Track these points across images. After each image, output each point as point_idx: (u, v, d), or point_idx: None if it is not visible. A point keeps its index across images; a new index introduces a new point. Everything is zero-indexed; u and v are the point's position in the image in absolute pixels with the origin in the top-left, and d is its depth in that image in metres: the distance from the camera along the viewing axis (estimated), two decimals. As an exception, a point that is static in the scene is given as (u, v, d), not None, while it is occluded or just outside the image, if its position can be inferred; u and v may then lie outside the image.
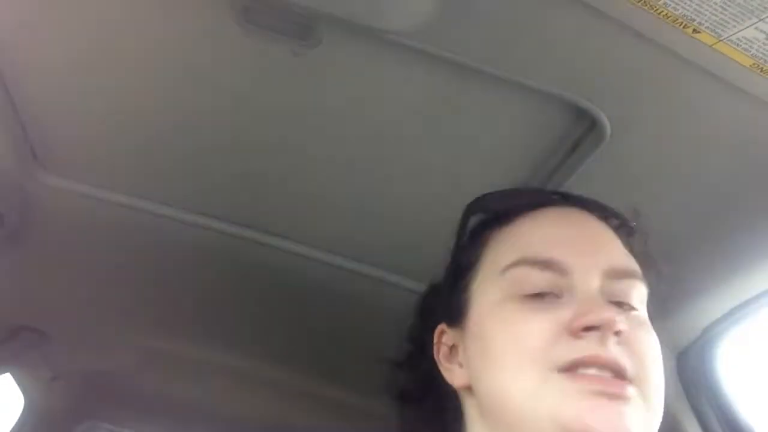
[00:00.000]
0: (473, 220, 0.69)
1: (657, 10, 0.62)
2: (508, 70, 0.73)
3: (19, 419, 1.99)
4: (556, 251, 0.59)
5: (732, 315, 0.96)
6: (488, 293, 0.61)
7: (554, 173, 0.86)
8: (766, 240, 0.86)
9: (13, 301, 1.49)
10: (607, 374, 0.53)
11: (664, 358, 0.60)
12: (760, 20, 0.60)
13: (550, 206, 0.65)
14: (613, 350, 0.54)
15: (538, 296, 0.58)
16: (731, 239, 0.87)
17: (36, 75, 0.90)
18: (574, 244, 0.60)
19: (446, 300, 0.67)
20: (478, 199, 0.69)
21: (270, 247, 1.15)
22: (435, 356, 0.67)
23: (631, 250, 0.63)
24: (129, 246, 1.23)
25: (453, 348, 0.66)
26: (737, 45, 0.63)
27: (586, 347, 0.54)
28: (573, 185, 0.85)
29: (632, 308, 0.59)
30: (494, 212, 0.67)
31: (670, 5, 0.61)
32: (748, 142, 0.75)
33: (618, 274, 0.59)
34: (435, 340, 0.68)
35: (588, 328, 0.54)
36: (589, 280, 0.58)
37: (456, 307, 0.65)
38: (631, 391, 0.53)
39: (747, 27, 0.61)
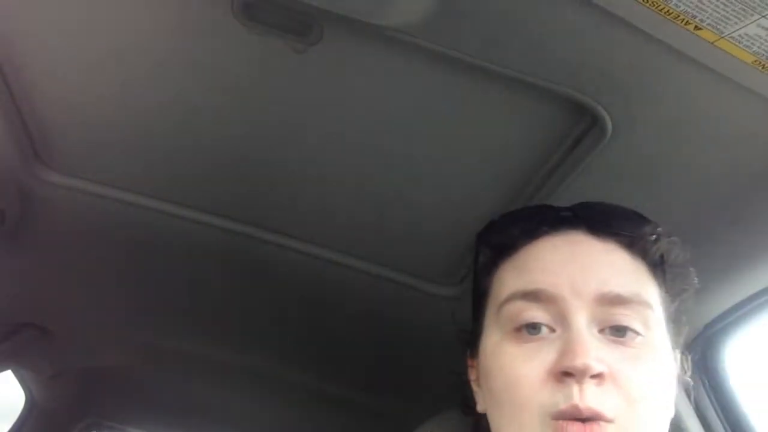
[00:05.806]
0: (484, 250, 0.69)
1: (658, 6, 0.62)
2: (508, 66, 0.73)
3: (20, 416, 2.00)
4: (546, 281, 0.60)
5: (734, 312, 0.96)
6: (491, 331, 0.63)
7: (555, 170, 0.86)
8: (767, 237, 0.86)
9: (15, 297, 1.49)
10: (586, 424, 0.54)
11: None
12: (762, 17, 0.60)
13: (549, 233, 0.64)
14: (590, 397, 0.54)
15: (532, 332, 0.58)
16: (733, 236, 0.87)
17: (37, 72, 0.90)
18: (566, 272, 0.60)
19: (471, 329, 0.69)
20: (484, 229, 0.70)
21: (273, 245, 1.15)
22: (469, 377, 0.69)
23: (653, 265, 0.63)
24: (131, 243, 1.23)
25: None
26: (739, 42, 0.63)
27: (567, 394, 0.54)
28: (574, 182, 0.86)
29: (635, 334, 0.58)
30: (497, 245, 0.67)
31: (671, 2, 0.61)
32: (749, 139, 0.75)
33: (612, 300, 0.58)
34: (468, 363, 0.70)
35: (566, 374, 0.55)
36: (577, 311, 0.58)
37: (473, 338, 0.67)
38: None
39: (749, 24, 0.61)
